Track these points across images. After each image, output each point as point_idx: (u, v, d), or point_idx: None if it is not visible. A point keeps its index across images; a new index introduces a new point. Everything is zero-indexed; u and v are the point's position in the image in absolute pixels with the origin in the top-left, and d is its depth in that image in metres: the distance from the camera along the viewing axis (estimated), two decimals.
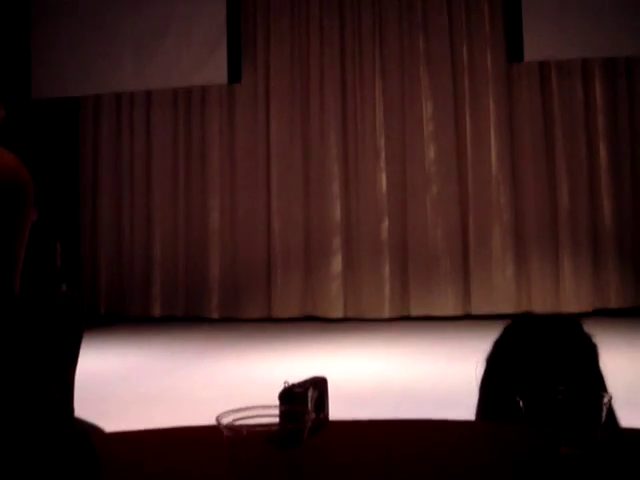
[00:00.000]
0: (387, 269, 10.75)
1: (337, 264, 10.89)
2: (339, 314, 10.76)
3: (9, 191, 1.13)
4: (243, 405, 1.12)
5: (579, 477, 1.10)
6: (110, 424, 1.63)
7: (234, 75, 10.95)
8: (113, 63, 10.86)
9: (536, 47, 9.96)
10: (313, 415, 1.22)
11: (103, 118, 11.75)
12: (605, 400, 1.15)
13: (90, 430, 1.32)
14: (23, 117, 9.91)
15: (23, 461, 1.03)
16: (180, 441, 1.45)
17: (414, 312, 10.54)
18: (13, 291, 1.16)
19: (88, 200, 11.67)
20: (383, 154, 10.88)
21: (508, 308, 10.06)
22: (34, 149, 9.69)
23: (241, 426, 1.06)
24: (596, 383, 1.70)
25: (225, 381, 6.72)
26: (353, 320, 10.59)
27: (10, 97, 9.96)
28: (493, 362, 1.84)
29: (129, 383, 6.97)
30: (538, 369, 1.69)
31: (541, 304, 10.24)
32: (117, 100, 11.66)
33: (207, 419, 1.24)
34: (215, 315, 11.04)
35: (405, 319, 10.50)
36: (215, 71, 10.74)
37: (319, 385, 1.50)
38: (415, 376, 6.82)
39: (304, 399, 1.41)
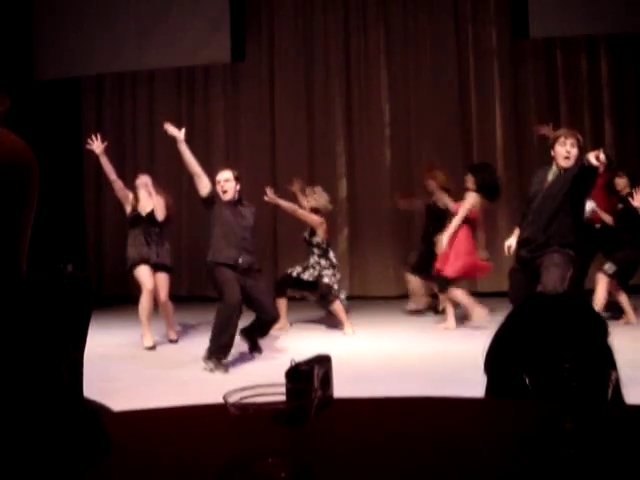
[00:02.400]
0: (392, 246, 10.75)
1: (342, 242, 10.88)
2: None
3: (15, 172, 1.14)
4: (249, 383, 1.13)
5: (584, 453, 1.10)
6: (117, 403, 1.64)
7: (238, 53, 10.90)
8: (115, 42, 10.80)
9: (541, 24, 9.89)
10: (319, 392, 1.23)
11: (106, 98, 11.72)
12: (611, 377, 1.15)
13: (98, 409, 1.33)
14: (27, 98, 9.89)
15: (33, 439, 1.04)
16: (187, 420, 1.46)
17: None
18: (20, 271, 1.16)
19: (92, 181, 11.66)
20: (387, 132, 10.84)
21: None
22: (38, 130, 9.67)
23: (248, 404, 1.07)
24: (606, 360, 1.71)
25: (231, 359, 6.75)
26: (358, 298, 10.61)
27: (14, 78, 9.93)
28: (504, 339, 1.84)
29: (135, 363, 7.01)
30: (549, 347, 1.70)
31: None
32: (120, 80, 11.62)
33: (214, 397, 1.25)
34: None
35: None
36: (219, 49, 10.68)
37: (324, 363, 1.50)
38: (420, 354, 6.84)
39: (310, 377, 1.42)
